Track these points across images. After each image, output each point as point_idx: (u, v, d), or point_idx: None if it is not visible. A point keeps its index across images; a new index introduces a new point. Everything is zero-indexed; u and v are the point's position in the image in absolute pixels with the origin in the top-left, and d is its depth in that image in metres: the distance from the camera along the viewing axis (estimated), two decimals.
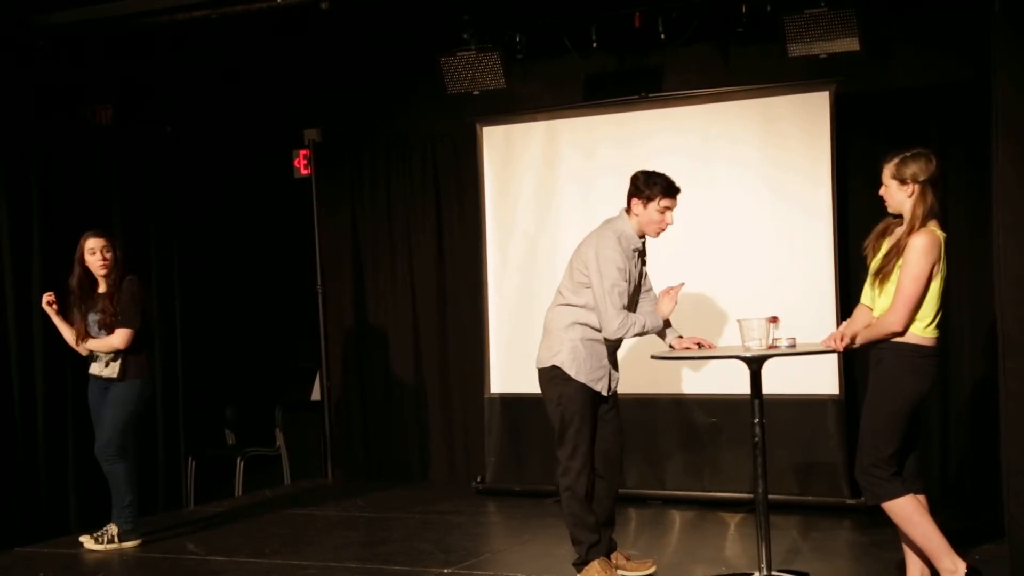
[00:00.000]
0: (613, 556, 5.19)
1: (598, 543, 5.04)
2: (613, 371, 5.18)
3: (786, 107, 6.73)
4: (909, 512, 4.35)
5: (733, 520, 6.45)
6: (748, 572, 4.99)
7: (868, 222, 6.60)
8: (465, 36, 6.86)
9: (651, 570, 5.24)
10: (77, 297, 6.14)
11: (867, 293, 4.57)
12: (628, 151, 7.03)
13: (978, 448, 6.52)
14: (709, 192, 6.87)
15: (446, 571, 5.44)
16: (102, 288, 6.14)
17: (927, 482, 4.57)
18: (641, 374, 6.47)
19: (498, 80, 6.97)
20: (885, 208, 6.70)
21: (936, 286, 4.38)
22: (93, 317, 6.11)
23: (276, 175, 8.36)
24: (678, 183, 5.05)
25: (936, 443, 6.59)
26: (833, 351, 4.59)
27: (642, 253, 5.15)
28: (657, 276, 5.45)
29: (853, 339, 4.49)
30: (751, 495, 5.24)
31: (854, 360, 6.61)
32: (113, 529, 6.17)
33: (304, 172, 8.30)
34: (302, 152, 8.29)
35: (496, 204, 7.48)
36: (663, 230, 5.06)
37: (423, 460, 8.02)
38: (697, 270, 6.83)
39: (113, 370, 6.12)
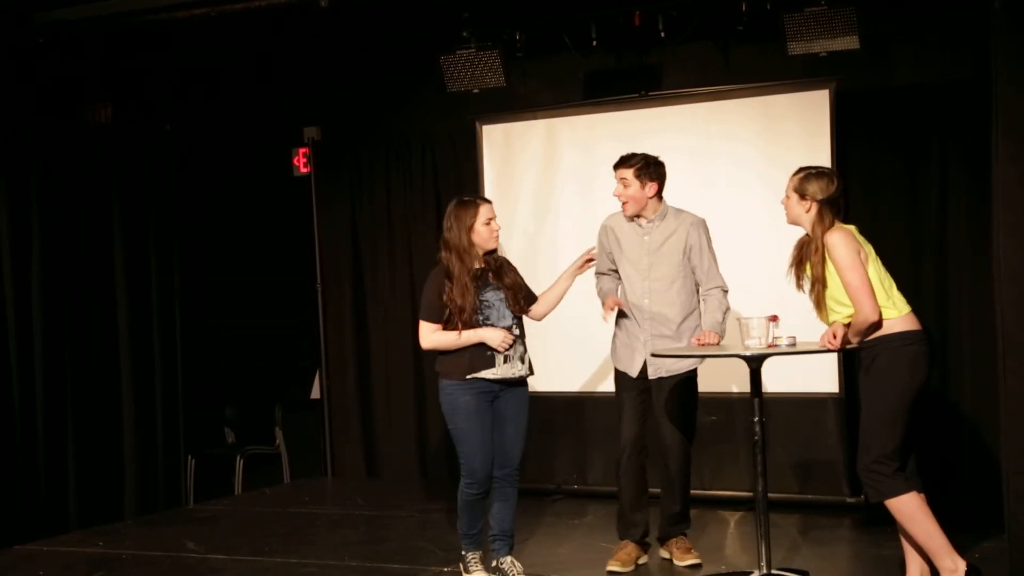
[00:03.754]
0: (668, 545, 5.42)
1: (621, 523, 5.39)
2: (644, 352, 5.27)
3: (786, 105, 6.73)
4: (912, 510, 4.35)
5: (733, 518, 6.45)
6: (748, 570, 4.99)
7: (868, 220, 6.66)
8: (465, 34, 6.85)
9: (693, 560, 5.35)
10: (471, 274, 5.00)
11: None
12: (628, 149, 6.97)
13: (978, 447, 6.52)
14: (708, 190, 6.87)
15: (446, 570, 5.44)
16: (481, 264, 5.07)
17: (926, 481, 4.56)
18: None
19: (498, 78, 6.96)
20: (884, 206, 6.76)
21: (872, 270, 4.41)
22: (495, 296, 5.05)
23: (275, 173, 8.35)
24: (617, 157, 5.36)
25: (936, 442, 6.58)
26: (832, 350, 4.60)
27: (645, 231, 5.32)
28: None
29: (846, 337, 4.50)
30: (751, 493, 5.24)
31: (854, 358, 6.60)
32: (517, 566, 5.19)
33: (303, 170, 8.29)
34: (301, 150, 8.29)
35: (496, 202, 7.39)
36: (620, 199, 5.30)
37: (423, 458, 8.02)
38: None
39: (527, 366, 5.13)
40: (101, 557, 6.03)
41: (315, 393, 8.41)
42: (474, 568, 5.18)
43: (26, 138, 6.77)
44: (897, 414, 4.35)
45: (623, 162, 5.29)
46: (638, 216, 5.28)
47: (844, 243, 4.41)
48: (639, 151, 5.36)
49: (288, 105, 8.34)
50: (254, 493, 7.85)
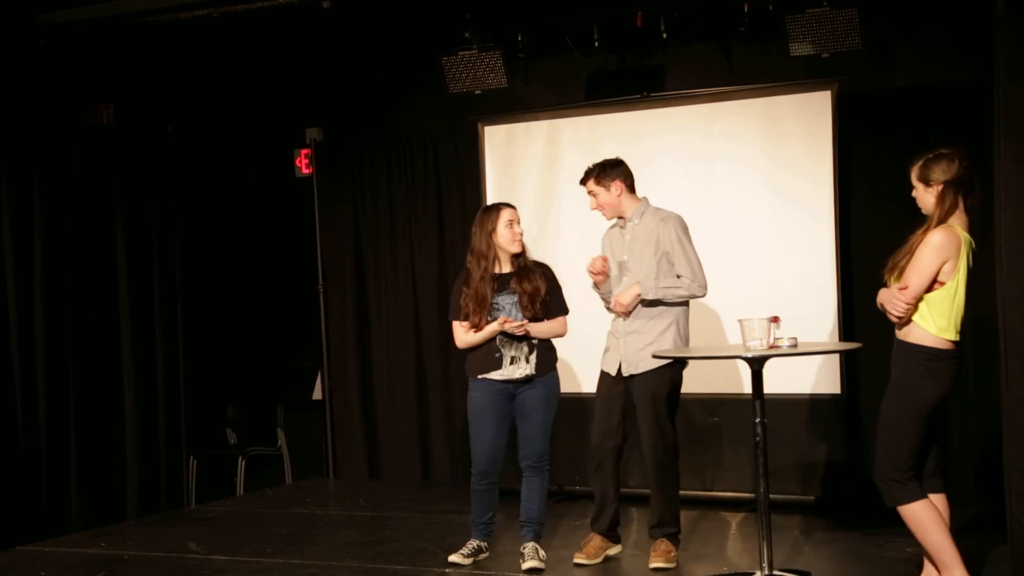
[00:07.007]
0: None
1: (592, 519, 5.57)
2: (620, 349, 5.40)
3: (788, 106, 6.72)
4: (923, 518, 4.29)
5: (735, 519, 6.45)
6: (750, 571, 4.99)
7: (870, 221, 6.66)
8: (467, 35, 6.85)
9: (659, 564, 5.32)
10: (488, 278, 5.33)
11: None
12: (630, 150, 6.97)
13: (980, 448, 6.51)
14: (710, 191, 6.87)
15: (447, 571, 5.44)
16: (506, 268, 5.38)
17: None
18: None
19: (500, 79, 6.96)
20: (887, 208, 6.74)
21: (953, 287, 4.25)
22: (508, 300, 5.32)
23: (277, 174, 8.36)
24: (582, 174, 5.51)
25: (937, 443, 6.58)
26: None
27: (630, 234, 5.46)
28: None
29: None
30: (753, 494, 5.24)
31: (856, 359, 6.61)
32: (539, 554, 5.40)
33: (305, 171, 8.30)
34: (303, 151, 8.30)
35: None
36: (599, 211, 5.50)
37: (424, 459, 8.02)
38: None
39: (532, 366, 5.34)
40: (103, 558, 6.03)
41: (317, 394, 8.41)
42: (460, 552, 5.51)
43: (28, 139, 6.78)
44: (912, 422, 4.29)
45: (585, 178, 5.47)
46: (621, 218, 5.47)
47: (936, 248, 4.22)
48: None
49: (290, 106, 8.35)
50: (256, 494, 7.86)
